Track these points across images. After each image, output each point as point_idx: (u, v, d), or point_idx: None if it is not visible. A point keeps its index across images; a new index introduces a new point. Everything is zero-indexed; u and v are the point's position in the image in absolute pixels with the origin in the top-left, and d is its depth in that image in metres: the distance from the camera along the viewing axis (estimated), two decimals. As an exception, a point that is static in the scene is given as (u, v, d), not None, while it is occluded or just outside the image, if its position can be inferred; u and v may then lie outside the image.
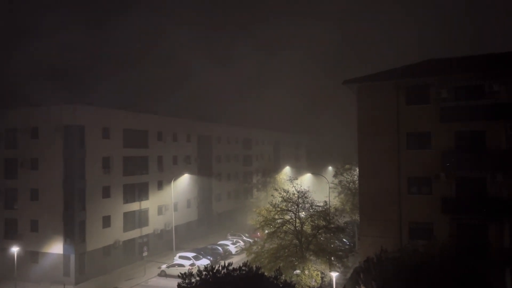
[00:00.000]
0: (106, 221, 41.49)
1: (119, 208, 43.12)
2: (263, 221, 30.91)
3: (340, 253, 32.01)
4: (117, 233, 42.56)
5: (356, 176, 45.28)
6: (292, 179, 36.64)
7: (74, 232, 38.37)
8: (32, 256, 39.51)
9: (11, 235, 40.53)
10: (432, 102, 24.55)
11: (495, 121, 23.00)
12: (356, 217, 40.73)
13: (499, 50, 29.65)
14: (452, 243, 22.32)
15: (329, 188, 52.56)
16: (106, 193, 41.67)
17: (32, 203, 40.05)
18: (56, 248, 38.73)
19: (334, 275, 28.74)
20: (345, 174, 54.59)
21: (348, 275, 32.77)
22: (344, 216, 43.78)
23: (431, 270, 20.06)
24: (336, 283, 28.60)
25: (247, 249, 32.64)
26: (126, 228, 43.85)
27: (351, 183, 52.37)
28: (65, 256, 38.40)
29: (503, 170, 22.55)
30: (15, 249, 36.80)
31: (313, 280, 28.28)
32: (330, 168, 77.29)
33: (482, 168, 23.11)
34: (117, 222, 42.82)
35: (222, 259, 41.78)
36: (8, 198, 41.44)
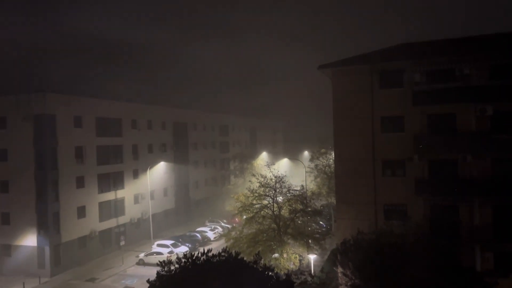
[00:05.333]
0: (81, 212, 40.74)
1: (94, 198, 42.37)
2: (241, 206, 31.11)
3: (317, 235, 32.64)
4: (93, 223, 41.89)
5: (332, 160, 45.85)
6: (269, 165, 36.83)
7: (48, 224, 37.54)
8: (4, 249, 38.55)
9: (-19, 228, 39.32)
10: (405, 86, 24.91)
11: (465, 104, 23.56)
12: (333, 200, 41.39)
13: (475, 33, 30.23)
14: (425, 223, 23.01)
15: (306, 172, 53.11)
16: (80, 183, 40.82)
17: (2, 195, 38.82)
18: (30, 240, 37.85)
19: (312, 257, 29.29)
20: (321, 158, 55.26)
21: (326, 257, 33.45)
22: (320, 200, 44.50)
23: (405, 249, 20.68)
24: (314, 265, 29.17)
25: (225, 235, 32.83)
26: (102, 218, 43.20)
27: (327, 167, 53.10)
28: (39, 248, 37.60)
29: (473, 151, 23.24)
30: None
31: (292, 263, 28.74)
32: (306, 152, 78.03)
33: (453, 150, 23.73)
34: (93, 212, 42.10)
35: (201, 246, 41.83)
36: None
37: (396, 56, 26.34)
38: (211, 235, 48.10)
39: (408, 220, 23.33)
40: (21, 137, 38.16)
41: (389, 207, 25.11)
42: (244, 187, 39.81)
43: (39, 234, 37.65)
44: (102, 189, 43.63)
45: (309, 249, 30.10)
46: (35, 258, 37.68)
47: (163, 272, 15.80)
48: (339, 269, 21.31)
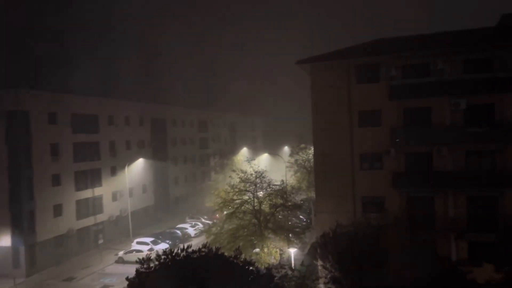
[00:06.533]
0: (58, 210, 39.88)
1: (71, 196, 41.53)
2: (222, 202, 31.00)
3: (297, 230, 32.90)
4: (70, 221, 41.08)
5: (311, 155, 46.25)
6: (249, 160, 36.82)
7: (22, 223, 36.60)
8: (-23, 250, 37.42)
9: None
10: (382, 80, 25.30)
11: (440, 98, 24.09)
12: (312, 194, 41.75)
13: (452, 28, 30.81)
14: (402, 215, 23.49)
15: (286, 167, 53.39)
16: (56, 181, 39.93)
17: (-26, 194, 37.65)
18: (4, 240, 36.84)
19: (292, 251, 29.51)
20: (300, 153, 55.65)
21: (306, 250, 33.78)
22: (300, 194, 44.82)
23: (383, 241, 21.09)
24: (295, 259, 29.39)
25: (206, 231, 32.72)
26: (79, 216, 42.41)
27: (306, 162, 53.53)
28: (14, 248, 36.64)
29: (447, 144, 23.81)
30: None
31: (272, 257, 28.88)
32: (286, 147, 78.43)
33: (429, 143, 24.26)
34: (70, 210, 41.27)
35: (181, 243, 41.49)
36: None
37: (373, 51, 26.66)
38: (191, 231, 47.85)
39: (385, 212, 23.78)
40: (-7, 134, 37.01)
41: (367, 199, 25.52)
42: (224, 183, 39.71)
43: (13, 233, 36.66)
44: (79, 186, 42.76)
45: (290, 243, 30.32)
46: (9, 259, 36.69)
47: (143, 269, 15.67)
48: (319, 262, 21.58)
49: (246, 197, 31.05)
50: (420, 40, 27.95)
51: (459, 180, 23.73)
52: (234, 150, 73.36)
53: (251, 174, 31.78)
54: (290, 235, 30.93)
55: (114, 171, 47.83)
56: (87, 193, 43.70)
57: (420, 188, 24.52)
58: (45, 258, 38.02)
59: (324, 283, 21.58)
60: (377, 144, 25.09)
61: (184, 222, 52.16)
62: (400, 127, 24.75)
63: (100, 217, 45.28)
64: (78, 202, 42.47)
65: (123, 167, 48.21)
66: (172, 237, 44.49)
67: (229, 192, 31.40)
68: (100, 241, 41.11)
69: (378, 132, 25.11)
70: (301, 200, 37.55)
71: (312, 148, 29.68)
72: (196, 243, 32.89)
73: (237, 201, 30.77)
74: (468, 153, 24.00)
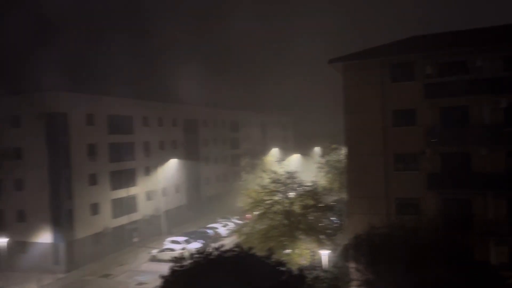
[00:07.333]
0: (94, 209, 41.23)
1: (107, 195, 42.82)
2: (252, 202, 31.08)
3: (329, 231, 32.50)
4: (106, 220, 42.36)
5: (343, 156, 45.63)
6: (280, 160, 36.77)
7: (62, 221, 38.08)
8: (20, 246, 39.08)
9: (-2, 226, 40.02)
10: (417, 79, 24.69)
11: (478, 96, 23.26)
12: (344, 195, 41.20)
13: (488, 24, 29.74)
14: (438, 217, 22.80)
15: (317, 168, 52.91)
16: (93, 180, 41.29)
17: (17, 193, 39.46)
18: (45, 237, 38.44)
19: (324, 253, 29.21)
20: (332, 154, 55.02)
21: (338, 252, 33.34)
22: (332, 195, 44.28)
23: (418, 244, 20.52)
24: (326, 261, 29.07)
25: (237, 231, 32.85)
26: (115, 215, 43.66)
27: (338, 162, 52.81)
28: (54, 245, 38.17)
29: (486, 144, 22.94)
30: (3, 240, 36.26)
31: (304, 258, 28.69)
32: (317, 148, 77.77)
33: (466, 143, 23.47)
34: (106, 209, 42.57)
35: (212, 242, 41.96)
36: (-7, 189, 40.75)
37: (407, 49, 26.06)
38: (223, 231, 48.25)
39: (420, 214, 23.16)
40: (34, 135, 38.69)
41: (401, 201, 24.96)
42: (255, 183, 39.84)
43: (53, 231, 38.21)
44: (115, 186, 44.05)
45: (321, 245, 30.01)
46: (50, 255, 38.27)
47: (176, 268, 15.93)
48: (352, 264, 21.25)
49: (276, 198, 31.00)
50: (455, 37, 27.08)
51: (499, 182, 22.80)
52: (264, 150, 73.42)
53: (282, 175, 31.71)
54: (322, 236, 30.61)
55: (147, 171, 48.96)
56: (122, 193, 44.93)
57: (457, 189, 23.74)
58: (83, 255, 39.39)
59: (357, 286, 21.24)
60: (412, 144, 24.50)
61: (216, 221, 52.66)
62: (436, 127, 24.06)
63: (135, 216, 46.45)
64: (114, 201, 43.74)
65: (156, 167, 49.27)
66: (204, 236, 45.02)
67: (259, 193, 31.45)
68: (135, 240, 42.15)
69: (413, 132, 24.52)
70: (332, 201, 37.04)
71: (344, 149, 29.32)
72: (227, 243, 33.17)
73: (268, 201, 30.77)
74: (509, 153, 23.03)
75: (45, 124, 38.50)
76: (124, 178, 45.61)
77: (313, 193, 31.40)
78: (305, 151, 76.21)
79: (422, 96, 24.20)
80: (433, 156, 24.03)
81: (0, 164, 40.16)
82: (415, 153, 24.56)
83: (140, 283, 34.96)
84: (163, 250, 40.40)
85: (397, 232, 20.66)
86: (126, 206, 45.53)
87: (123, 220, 44.89)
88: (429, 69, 24.18)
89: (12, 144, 39.58)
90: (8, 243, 37.37)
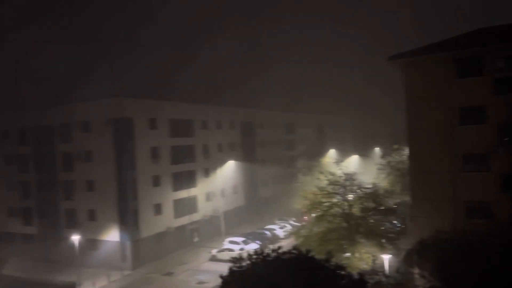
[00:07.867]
0: (158, 209, 42.96)
1: (169, 196, 44.45)
2: (310, 204, 30.71)
3: (391, 235, 31.23)
4: (168, 220, 43.98)
5: (405, 156, 43.72)
6: (337, 162, 36.01)
7: (128, 220, 40.08)
8: (91, 243, 41.65)
9: (71, 224, 42.98)
10: (486, 73, 23.06)
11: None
12: (407, 198, 39.45)
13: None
14: (513, 223, 21.08)
15: (377, 169, 51.20)
16: (156, 182, 43.06)
17: (88, 193, 42.15)
18: (113, 235, 40.67)
19: (386, 257, 28.13)
20: (393, 155, 52.99)
21: (401, 257, 31.94)
22: (393, 198, 42.57)
23: (490, 251, 19.09)
24: (389, 266, 27.97)
25: (295, 233, 32.59)
26: (176, 215, 45.21)
27: (400, 164, 50.71)
28: (121, 243, 40.27)
29: None
30: (75, 238, 38.77)
31: (364, 262, 27.83)
32: (377, 149, 75.31)
33: (545, 142, 21.53)
34: (168, 209, 44.21)
35: (270, 243, 42.06)
36: (67, 190, 43.87)
37: (474, 43, 24.42)
38: (280, 233, 48.17)
39: (493, 219, 21.54)
40: (102, 139, 41.18)
41: (470, 204, 23.40)
42: (312, 185, 39.34)
43: (120, 230, 40.35)
44: (176, 187, 45.62)
45: (383, 249, 28.92)
46: (117, 252, 40.43)
47: (235, 268, 16.11)
48: (416, 270, 20.24)
49: (335, 200, 30.38)
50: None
51: None
52: (321, 152, 72.38)
53: (340, 176, 31.01)
54: (383, 240, 29.49)
55: (207, 172, 50.23)
56: (183, 194, 46.43)
57: (535, 192, 21.82)
58: (147, 253, 41.18)
59: (422, 293, 20.19)
60: (481, 143, 22.93)
61: (273, 223, 52.71)
62: (509, 124, 22.30)
63: (195, 216, 47.79)
64: (175, 201, 45.32)
65: (215, 169, 50.44)
66: (261, 237, 45.23)
67: (317, 195, 30.99)
68: (195, 239, 43.30)
69: (483, 130, 22.92)
70: (394, 204, 35.58)
71: (406, 149, 28.08)
72: (285, 245, 33.01)
73: (326, 204, 30.23)
74: None
75: (112, 129, 40.83)
76: (185, 179, 47.09)
77: (373, 195, 30.39)
78: (364, 152, 74.06)
79: (492, 92, 22.56)
80: (506, 156, 22.27)
81: (74, 166, 43.18)
82: (485, 153, 22.92)
83: (200, 282, 35.83)
84: (222, 250, 41.14)
85: (466, 238, 19.38)
86: (187, 206, 46.98)
87: (184, 220, 46.34)
88: (500, 62, 22.49)
89: (83, 147, 42.42)
90: (81, 241, 40.03)
